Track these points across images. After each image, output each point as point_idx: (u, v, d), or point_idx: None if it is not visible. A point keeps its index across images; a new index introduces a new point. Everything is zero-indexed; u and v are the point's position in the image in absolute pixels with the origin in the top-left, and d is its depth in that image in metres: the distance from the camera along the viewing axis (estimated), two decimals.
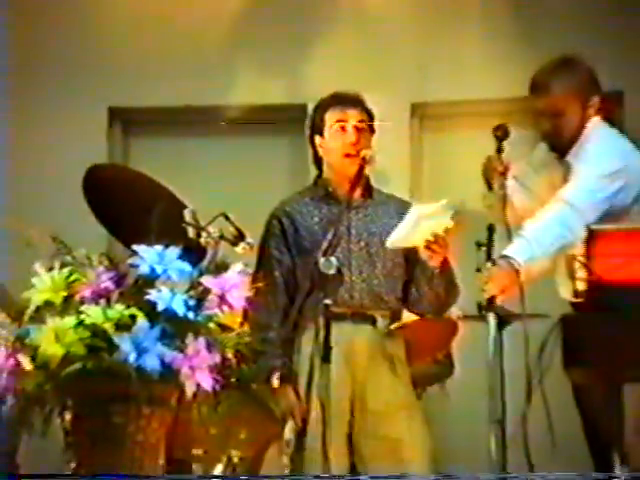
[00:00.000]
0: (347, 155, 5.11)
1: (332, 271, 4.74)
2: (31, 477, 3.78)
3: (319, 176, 5.31)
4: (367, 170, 5.10)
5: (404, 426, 5.03)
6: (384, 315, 5.14)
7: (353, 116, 5.16)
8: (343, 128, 5.15)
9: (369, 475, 4.89)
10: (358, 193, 5.12)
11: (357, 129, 5.14)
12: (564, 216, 4.82)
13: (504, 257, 4.72)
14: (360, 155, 5.05)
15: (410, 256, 5.10)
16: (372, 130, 5.22)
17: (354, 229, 5.14)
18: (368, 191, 5.21)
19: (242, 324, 4.05)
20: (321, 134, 5.22)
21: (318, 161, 5.27)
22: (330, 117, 5.19)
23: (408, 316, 5.21)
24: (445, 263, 4.96)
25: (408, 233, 4.86)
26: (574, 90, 5.06)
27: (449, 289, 5.05)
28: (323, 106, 5.25)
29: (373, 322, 5.11)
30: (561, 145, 5.08)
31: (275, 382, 4.93)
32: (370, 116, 5.23)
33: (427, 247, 4.88)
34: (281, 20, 6.74)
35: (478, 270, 4.70)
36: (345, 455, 5.03)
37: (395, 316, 5.20)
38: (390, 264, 5.17)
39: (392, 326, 5.13)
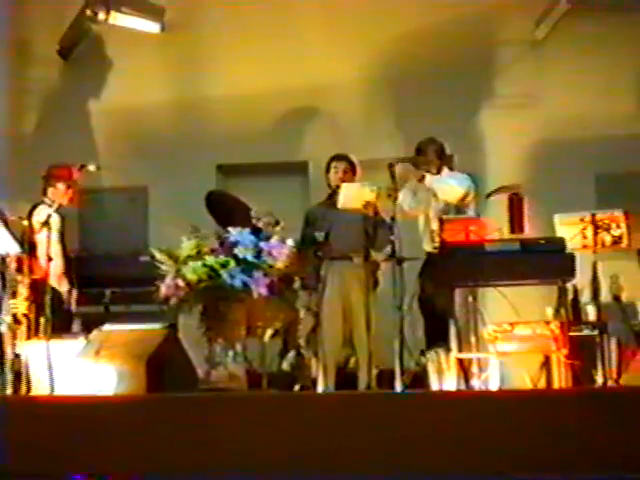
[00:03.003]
0: (337, 184, 4.96)
1: (321, 239, 4.77)
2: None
3: (329, 192, 5.06)
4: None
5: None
6: (358, 256, 4.75)
7: (342, 165, 5.02)
8: (337, 171, 5.01)
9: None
10: None
11: (344, 171, 4.99)
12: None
13: None
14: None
15: (366, 224, 4.86)
16: (354, 173, 5.00)
17: (341, 217, 4.81)
18: None
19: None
20: (328, 173, 5.06)
21: (329, 185, 5.04)
22: (332, 165, 5.04)
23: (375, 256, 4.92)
24: (376, 212, 4.64)
25: (347, 199, 4.63)
26: (436, 153, 4.92)
27: (384, 225, 4.71)
28: (330, 159, 5.07)
29: (351, 260, 4.84)
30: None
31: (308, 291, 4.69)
32: (353, 165, 5.03)
33: (364, 207, 4.64)
34: (298, 121, 6.39)
35: None
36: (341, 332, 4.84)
37: (367, 255, 4.87)
38: (358, 230, 4.79)
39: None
